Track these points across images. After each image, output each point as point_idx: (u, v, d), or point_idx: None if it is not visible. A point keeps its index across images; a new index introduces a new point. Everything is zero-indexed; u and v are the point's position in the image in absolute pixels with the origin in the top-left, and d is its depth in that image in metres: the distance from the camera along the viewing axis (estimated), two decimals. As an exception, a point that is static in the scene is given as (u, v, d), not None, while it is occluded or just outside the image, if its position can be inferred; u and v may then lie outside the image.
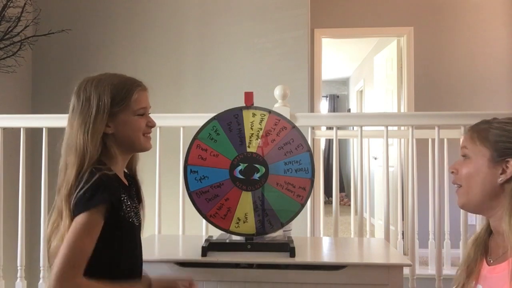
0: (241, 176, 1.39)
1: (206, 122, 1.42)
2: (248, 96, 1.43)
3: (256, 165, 1.39)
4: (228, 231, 1.40)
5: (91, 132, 1.07)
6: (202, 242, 1.39)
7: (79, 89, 1.11)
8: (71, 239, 0.96)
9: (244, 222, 1.39)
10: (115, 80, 1.13)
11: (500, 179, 1.00)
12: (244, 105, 1.43)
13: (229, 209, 1.39)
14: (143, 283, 1.17)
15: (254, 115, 1.42)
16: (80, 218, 0.98)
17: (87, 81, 1.12)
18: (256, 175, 1.39)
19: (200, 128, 1.42)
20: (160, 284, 1.19)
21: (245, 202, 1.39)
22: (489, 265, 1.05)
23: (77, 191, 1.01)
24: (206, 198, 1.40)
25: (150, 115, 1.20)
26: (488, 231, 1.11)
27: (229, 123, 1.42)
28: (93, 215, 0.99)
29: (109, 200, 1.02)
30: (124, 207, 1.08)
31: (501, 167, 1.00)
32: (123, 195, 1.09)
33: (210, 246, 1.37)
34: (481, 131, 1.06)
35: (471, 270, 1.07)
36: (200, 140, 1.41)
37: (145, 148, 1.18)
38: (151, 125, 1.18)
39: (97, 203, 1.00)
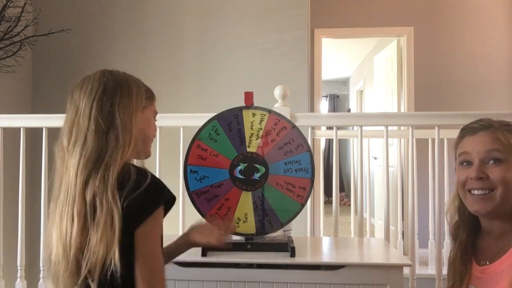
0: (241, 176, 1.39)
1: (206, 122, 1.42)
2: (248, 96, 1.43)
3: (256, 165, 1.39)
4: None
5: (134, 117, 0.98)
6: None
7: (102, 73, 1.01)
8: (151, 252, 0.86)
9: (244, 222, 1.39)
10: (134, 77, 1.08)
11: None
12: (244, 105, 1.43)
13: (229, 209, 1.39)
14: (185, 236, 1.20)
15: (254, 115, 1.42)
16: (149, 226, 0.87)
17: (107, 71, 1.03)
18: (256, 175, 1.39)
19: (200, 128, 1.42)
20: (200, 232, 1.20)
21: (245, 202, 1.39)
22: (480, 265, 1.05)
23: (133, 193, 0.85)
24: (206, 198, 1.39)
25: None
26: (472, 235, 1.10)
27: (229, 123, 1.42)
28: (159, 217, 0.91)
29: (166, 204, 0.94)
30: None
31: None
32: None
33: (210, 246, 1.37)
34: (505, 132, 1.02)
35: (461, 278, 1.08)
36: (200, 140, 1.41)
37: (148, 154, 1.09)
38: (156, 130, 1.15)
39: (160, 204, 0.90)
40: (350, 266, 1.28)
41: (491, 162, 1.02)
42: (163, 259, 0.90)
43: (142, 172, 0.89)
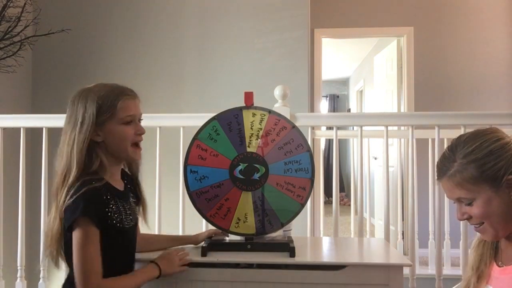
0: (241, 176, 1.39)
1: (206, 122, 1.42)
2: (248, 96, 1.43)
3: (256, 165, 1.39)
4: (228, 231, 1.40)
5: (77, 141, 1.14)
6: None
7: (71, 101, 1.19)
8: (78, 253, 1.07)
9: (244, 222, 1.39)
10: (103, 91, 1.17)
11: None
12: (244, 105, 1.43)
13: (229, 209, 1.39)
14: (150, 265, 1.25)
15: (254, 115, 1.42)
16: (76, 232, 1.08)
17: (78, 93, 1.19)
18: (256, 175, 1.39)
19: (200, 128, 1.42)
20: (162, 256, 1.28)
21: (245, 202, 1.39)
22: (499, 266, 1.05)
23: (67, 199, 1.10)
24: (206, 198, 1.39)
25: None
26: None
27: (229, 123, 1.42)
28: (84, 224, 1.08)
29: (94, 213, 1.09)
30: (112, 215, 1.14)
31: (507, 187, 1.00)
32: (112, 204, 1.15)
33: (210, 246, 1.37)
34: (462, 176, 1.03)
35: (481, 272, 1.07)
36: (200, 140, 1.41)
37: (132, 159, 1.23)
38: (140, 132, 1.22)
39: (83, 214, 1.07)
40: (350, 266, 1.28)
41: (463, 205, 1.05)
42: (96, 261, 1.08)
43: (82, 186, 1.10)
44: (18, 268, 2.03)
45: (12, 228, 2.09)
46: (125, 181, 1.28)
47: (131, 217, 1.22)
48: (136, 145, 1.22)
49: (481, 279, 1.07)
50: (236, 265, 1.34)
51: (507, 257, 1.04)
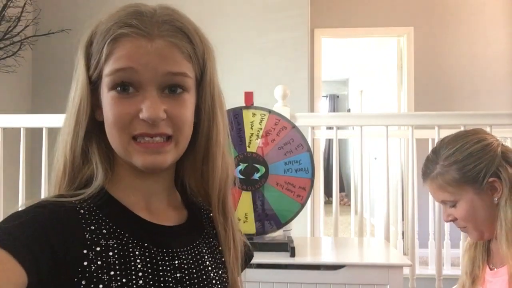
0: (241, 176, 1.39)
1: None
2: (248, 96, 1.43)
3: (256, 165, 1.39)
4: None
5: (68, 121, 0.61)
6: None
7: None
8: None
9: (244, 222, 1.39)
10: (106, 15, 0.62)
11: (495, 198, 1.00)
12: (244, 104, 1.43)
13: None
14: None
15: (254, 115, 1.42)
16: None
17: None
18: (256, 175, 1.39)
19: None
20: None
21: (245, 202, 1.39)
22: (491, 269, 1.05)
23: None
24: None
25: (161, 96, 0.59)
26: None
27: (229, 122, 1.42)
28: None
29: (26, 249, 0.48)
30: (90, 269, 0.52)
31: (489, 189, 1.00)
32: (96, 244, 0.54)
33: None
34: (443, 178, 1.03)
35: (475, 276, 1.07)
36: None
37: (136, 164, 0.58)
38: (145, 115, 0.55)
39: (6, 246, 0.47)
40: (350, 266, 1.28)
41: (448, 206, 1.06)
42: None
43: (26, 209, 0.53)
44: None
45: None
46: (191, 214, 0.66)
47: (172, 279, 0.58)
48: (139, 139, 0.57)
49: (476, 283, 1.07)
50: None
51: (498, 260, 1.03)
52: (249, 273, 1.33)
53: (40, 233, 0.50)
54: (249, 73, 3.07)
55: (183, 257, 0.60)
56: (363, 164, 2.08)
